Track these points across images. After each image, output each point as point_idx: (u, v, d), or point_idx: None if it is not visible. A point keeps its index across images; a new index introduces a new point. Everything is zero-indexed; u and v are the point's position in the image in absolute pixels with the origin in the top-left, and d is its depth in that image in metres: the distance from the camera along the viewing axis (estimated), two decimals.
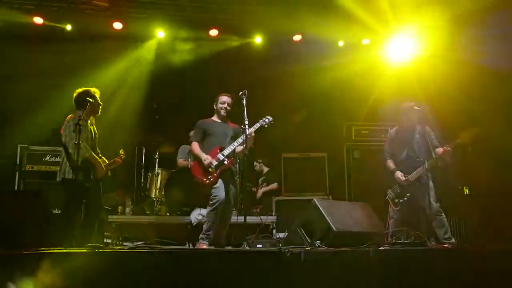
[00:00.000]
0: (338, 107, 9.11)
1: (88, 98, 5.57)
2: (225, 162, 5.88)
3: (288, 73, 8.77)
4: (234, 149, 5.96)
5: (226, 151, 5.93)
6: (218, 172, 5.83)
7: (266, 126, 6.04)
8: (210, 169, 5.83)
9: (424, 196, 5.79)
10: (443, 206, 6.04)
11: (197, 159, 6.01)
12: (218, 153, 5.93)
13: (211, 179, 5.83)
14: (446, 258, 4.27)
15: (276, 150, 8.42)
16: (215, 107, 6.28)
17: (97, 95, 5.80)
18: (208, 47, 8.80)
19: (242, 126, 5.63)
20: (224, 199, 5.82)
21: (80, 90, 5.76)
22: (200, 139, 6.15)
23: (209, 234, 5.78)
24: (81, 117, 5.21)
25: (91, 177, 5.54)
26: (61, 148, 5.60)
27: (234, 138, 6.05)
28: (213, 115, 6.30)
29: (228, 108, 6.18)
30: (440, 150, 6.01)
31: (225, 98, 6.23)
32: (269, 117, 6.07)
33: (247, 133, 5.52)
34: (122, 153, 6.16)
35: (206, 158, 5.88)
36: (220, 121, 6.24)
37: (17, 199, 4.81)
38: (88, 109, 5.57)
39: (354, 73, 8.72)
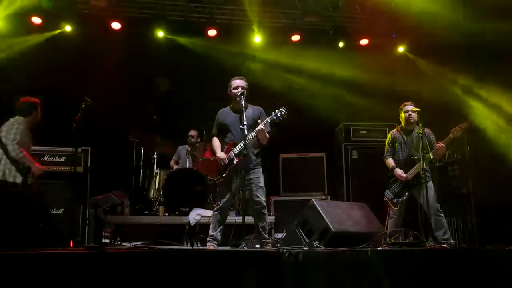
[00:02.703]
0: (336, 107, 9.13)
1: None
2: (234, 162, 5.58)
3: (286, 72, 8.80)
4: (245, 145, 5.32)
5: (237, 149, 5.60)
6: (227, 171, 5.64)
7: (278, 120, 5.51)
8: (221, 169, 5.65)
9: (423, 196, 5.79)
10: (442, 206, 6.05)
11: (214, 155, 5.79)
12: (231, 150, 5.66)
13: (221, 179, 5.66)
14: (445, 258, 4.26)
15: (274, 150, 8.40)
16: (230, 94, 5.79)
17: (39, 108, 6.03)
18: (207, 46, 8.83)
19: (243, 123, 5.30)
20: (227, 199, 5.75)
21: (26, 99, 5.99)
22: (217, 133, 5.87)
23: (214, 236, 5.68)
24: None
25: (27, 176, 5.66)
26: (61, 148, 5.62)
27: (253, 125, 5.54)
28: (229, 103, 5.90)
29: (243, 91, 5.61)
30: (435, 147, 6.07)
31: (238, 82, 5.74)
32: (282, 110, 5.49)
33: (246, 134, 5.29)
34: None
35: (219, 158, 5.65)
36: (235, 110, 5.78)
37: (15, 199, 4.79)
38: (34, 117, 5.91)
39: (353, 73, 8.75)
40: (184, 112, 8.78)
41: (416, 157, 6.16)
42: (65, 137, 7.13)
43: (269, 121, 5.54)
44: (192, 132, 8.42)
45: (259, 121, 5.54)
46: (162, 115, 8.44)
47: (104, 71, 8.47)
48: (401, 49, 9.22)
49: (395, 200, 6.19)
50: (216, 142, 5.87)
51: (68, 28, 8.39)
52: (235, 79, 5.80)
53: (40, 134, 7.60)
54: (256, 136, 5.55)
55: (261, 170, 5.77)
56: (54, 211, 6.66)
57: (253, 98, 5.80)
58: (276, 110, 5.53)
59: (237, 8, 8.53)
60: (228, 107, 5.92)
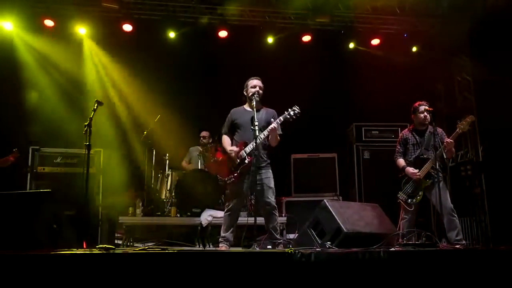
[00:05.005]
0: (347, 107, 9.11)
1: None
2: (246, 161, 5.49)
3: (298, 73, 8.78)
4: (256, 145, 5.27)
5: (248, 148, 5.51)
6: (239, 171, 5.56)
7: (292, 120, 5.46)
8: (232, 168, 5.58)
9: (436, 197, 5.75)
10: (455, 206, 6.00)
11: (225, 154, 5.72)
12: (242, 149, 5.57)
13: (232, 179, 5.58)
14: (458, 259, 4.23)
15: (285, 151, 8.39)
16: (245, 94, 5.76)
17: None
18: (218, 48, 8.84)
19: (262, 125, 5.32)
20: (239, 200, 5.73)
21: None
22: (228, 131, 5.81)
23: (226, 237, 5.66)
24: None
25: None
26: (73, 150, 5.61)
27: (265, 127, 5.47)
28: (245, 103, 5.82)
29: (261, 92, 5.60)
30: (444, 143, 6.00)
31: (255, 82, 5.68)
32: (295, 108, 5.47)
33: (257, 134, 5.23)
34: (15, 150, 6.18)
35: (232, 150, 5.58)
36: (251, 109, 5.64)
37: (29, 200, 4.84)
38: None
39: (364, 73, 8.72)
40: (195, 113, 8.80)
41: (425, 156, 6.11)
42: (78, 138, 7.22)
43: (282, 120, 5.50)
44: (204, 133, 8.44)
45: (272, 120, 5.52)
46: (173, 116, 8.48)
47: (116, 72, 8.55)
48: (414, 49, 9.18)
49: (409, 201, 6.13)
50: (226, 139, 5.83)
51: (82, 30, 8.45)
52: (252, 79, 5.75)
53: (53, 136, 7.70)
54: (267, 136, 5.51)
55: (271, 171, 5.73)
56: (67, 212, 6.70)
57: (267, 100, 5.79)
58: (289, 109, 5.50)
59: (248, 9, 8.52)
60: (243, 106, 5.87)
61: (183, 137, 8.67)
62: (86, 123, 5.56)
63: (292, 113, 5.47)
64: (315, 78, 8.79)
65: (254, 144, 5.30)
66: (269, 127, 5.43)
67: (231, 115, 5.85)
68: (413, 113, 6.38)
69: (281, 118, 5.52)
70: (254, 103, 5.47)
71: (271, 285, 3.79)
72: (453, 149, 6.04)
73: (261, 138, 5.42)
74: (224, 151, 5.86)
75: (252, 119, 5.37)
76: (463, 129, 5.99)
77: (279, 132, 5.61)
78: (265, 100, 5.82)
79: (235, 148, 5.61)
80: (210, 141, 8.37)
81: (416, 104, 6.34)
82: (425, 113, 6.22)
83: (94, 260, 3.68)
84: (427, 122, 6.26)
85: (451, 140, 5.93)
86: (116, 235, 7.45)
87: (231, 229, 5.70)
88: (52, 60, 8.43)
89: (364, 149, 8.52)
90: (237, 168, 5.59)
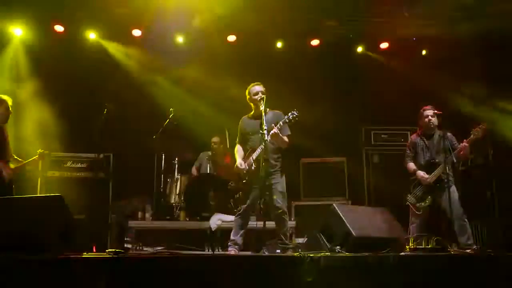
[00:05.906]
0: (356, 111, 9.07)
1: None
2: (253, 167, 5.61)
3: (306, 77, 8.77)
4: (265, 150, 5.39)
5: (255, 155, 5.62)
6: (248, 177, 5.67)
7: (290, 123, 5.55)
8: (241, 175, 5.70)
9: (446, 201, 5.71)
10: (465, 211, 5.95)
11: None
12: (251, 156, 5.68)
13: (242, 185, 5.74)
14: (468, 264, 4.21)
15: (294, 155, 8.37)
16: (249, 102, 5.87)
17: (9, 103, 5.95)
18: (227, 52, 8.85)
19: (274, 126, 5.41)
20: (249, 205, 5.75)
21: None
22: (241, 141, 5.96)
23: (235, 240, 5.69)
24: None
25: None
26: (84, 154, 5.63)
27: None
28: (251, 111, 5.94)
29: (263, 96, 5.63)
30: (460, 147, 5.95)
31: (257, 88, 5.77)
32: (294, 112, 5.53)
33: (267, 138, 5.31)
34: (41, 151, 6.20)
35: (239, 165, 5.73)
36: (254, 117, 5.82)
37: (39, 204, 4.86)
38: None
39: (373, 77, 8.70)
40: (205, 118, 8.81)
41: (437, 160, 6.09)
42: (88, 143, 7.26)
43: (281, 124, 5.53)
44: (215, 139, 8.45)
45: (273, 125, 5.54)
46: (183, 121, 8.49)
47: (126, 77, 8.59)
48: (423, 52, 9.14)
49: (418, 204, 6.10)
50: (239, 150, 5.94)
51: (92, 35, 8.49)
52: (253, 86, 5.82)
53: (63, 140, 7.76)
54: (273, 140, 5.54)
55: (282, 175, 5.75)
56: (76, 216, 6.73)
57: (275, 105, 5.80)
58: (289, 113, 5.54)
59: (255, 14, 8.49)
60: (247, 115, 5.97)
61: (194, 142, 8.71)
62: (96, 128, 5.60)
63: (291, 116, 5.51)
64: (324, 82, 8.78)
65: (260, 149, 5.40)
66: (271, 132, 5.46)
67: (240, 125, 5.98)
68: (420, 119, 6.36)
69: (280, 123, 5.54)
70: (263, 108, 5.50)
71: None
72: (468, 153, 6.02)
73: (266, 142, 5.42)
74: (234, 159, 5.97)
75: (261, 124, 5.41)
76: (477, 135, 5.94)
77: (288, 133, 5.67)
78: (273, 105, 5.84)
79: (241, 165, 5.71)
80: (221, 146, 8.39)
81: (423, 108, 6.32)
82: (429, 117, 6.20)
83: (104, 264, 3.70)
84: (432, 126, 6.23)
85: (466, 144, 5.88)
86: (125, 239, 7.47)
87: (241, 233, 5.72)
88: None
89: (374, 153, 8.48)
90: (245, 175, 5.68)
